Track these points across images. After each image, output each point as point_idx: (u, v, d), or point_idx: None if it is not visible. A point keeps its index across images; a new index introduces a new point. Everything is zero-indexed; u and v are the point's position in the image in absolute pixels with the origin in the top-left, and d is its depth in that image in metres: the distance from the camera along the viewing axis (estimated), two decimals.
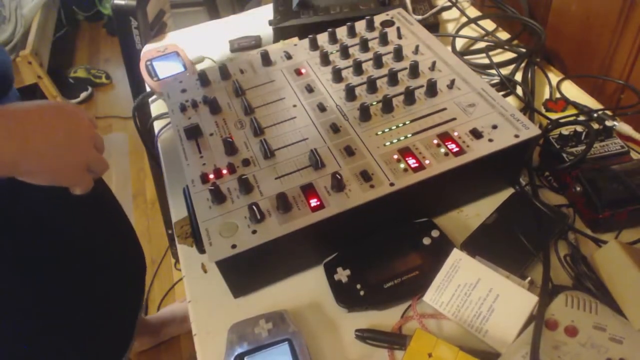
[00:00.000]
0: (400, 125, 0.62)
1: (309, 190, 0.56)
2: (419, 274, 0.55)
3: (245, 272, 0.57)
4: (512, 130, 0.58)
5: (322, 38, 0.78)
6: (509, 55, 0.86)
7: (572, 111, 0.75)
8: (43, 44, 2.21)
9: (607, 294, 0.50)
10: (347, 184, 0.55)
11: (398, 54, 0.71)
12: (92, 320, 0.79)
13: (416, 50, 0.72)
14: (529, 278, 0.53)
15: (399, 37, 0.76)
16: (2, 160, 0.45)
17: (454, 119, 0.61)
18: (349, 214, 0.54)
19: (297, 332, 0.52)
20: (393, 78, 0.67)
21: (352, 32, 0.78)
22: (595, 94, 0.80)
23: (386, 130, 0.61)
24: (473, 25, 0.94)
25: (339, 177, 0.54)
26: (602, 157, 0.62)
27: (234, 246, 0.51)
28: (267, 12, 1.03)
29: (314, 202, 0.54)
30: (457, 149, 0.57)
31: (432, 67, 0.69)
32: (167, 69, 0.86)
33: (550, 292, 0.52)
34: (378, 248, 0.58)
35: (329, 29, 0.77)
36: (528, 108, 0.75)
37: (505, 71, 0.82)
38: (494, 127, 0.59)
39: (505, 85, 0.79)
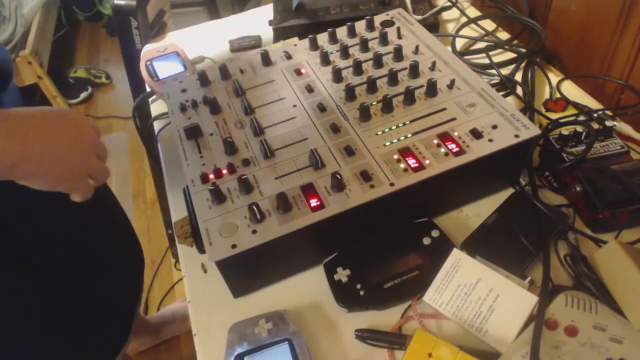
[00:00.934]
0: (400, 125, 0.62)
1: (309, 190, 0.56)
2: (419, 274, 0.55)
3: (245, 272, 0.57)
4: (512, 130, 0.58)
5: (322, 38, 0.78)
6: (509, 55, 0.86)
7: (572, 111, 0.75)
8: (43, 44, 2.21)
9: (607, 294, 0.50)
10: (347, 184, 0.55)
11: (398, 54, 0.71)
12: (92, 319, 0.79)
13: (416, 50, 0.72)
14: (529, 278, 0.53)
15: (399, 37, 0.76)
16: (1, 163, 0.45)
17: (454, 119, 0.61)
18: (349, 214, 0.54)
19: (297, 332, 0.52)
20: (393, 78, 0.67)
21: (352, 32, 0.78)
22: (595, 94, 0.80)
23: (386, 130, 0.61)
24: (473, 25, 0.94)
25: (339, 177, 0.54)
26: (602, 157, 0.62)
27: (234, 246, 0.51)
28: (267, 12, 1.04)
29: (314, 202, 0.54)
30: (457, 149, 0.57)
31: (432, 67, 0.69)
32: (167, 69, 0.85)
33: (550, 292, 0.52)
34: (378, 248, 0.58)
35: (329, 29, 0.77)
36: (528, 108, 0.75)
37: (505, 71, 0.82)
38: (494, 127, 0.59)
39: (505, 85, 0.79)
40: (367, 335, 0.53)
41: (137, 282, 0.96)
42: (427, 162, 0.57)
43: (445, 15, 0.99)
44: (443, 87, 0.66)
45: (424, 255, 0.57)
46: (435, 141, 0.59)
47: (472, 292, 0.52)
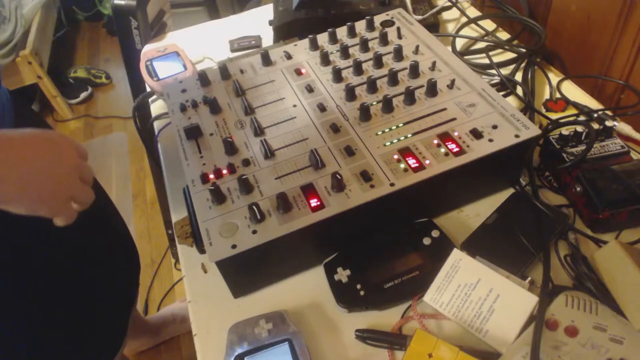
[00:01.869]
0: (401, 125, 0.62)
1: (309, 190, 0.56)
2: (419, 274, 0.55)
3: (245, 272, 0.57)
4: (512, 130, 0.58)
5: (322, 38, 0.78)
6: (509, 55, 0.86)
7: (572, 111, 0.75)
8: (43, 44, 2.21)
9: (608, 294, 0.50)
10: (347, 184, 0.55)
11: (398, 54, 0.71)
12: (90, 319, 0.79)
13: (416, 50, 0.72)
14: (529, 278, 0.53)
15: (399, 37, 0.76)
16: None
17: (454, 119, 0.61)
18: (349, 214, 0.53)
19: (297, 332, 0.52)
20: (393, 78, 0.67)
21: (352, 32, 0.78)
22: (595, 94, 0.80)
23: (386, 130, 0.61)
24: (473, 25, 0.94)
25: (339, 177, 0.54)
26: (602, 157, 0.62)
27: (234, 246, 0.51)
28: (267, 12, 1.04)
29: (314, 202, 0.54)
30: (457, 149, 0.57)
31: (432, 67, 0.69)
32: (167, 69, 0.86)
33: (551, 292, 0.52)
34: (378, 248, 0.58)
35: (329, 29, 0.77)
36: (528, 108, 0.75)
37: (505, 71, 0.82)
38: (494, 127, 0.59)
39: (506, 85, 0.79)
40: (367, 336, 0.53)
41: (133, 284, 0.96)
42: (427, 162, 0.56)
43: (445, 15, 0.99)
44: (443, 87, 0.66)
45: (424, 255, 0.57)
46: (436, 141, 0.59)
47: (473, 292, 0.52)
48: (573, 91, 0.80)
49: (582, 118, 0.72)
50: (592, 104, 0.76)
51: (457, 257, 0.54)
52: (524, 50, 0.84)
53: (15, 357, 0.70)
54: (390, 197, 0.54)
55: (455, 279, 0.53)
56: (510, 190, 0.65)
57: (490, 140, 0.58)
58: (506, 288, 0.51)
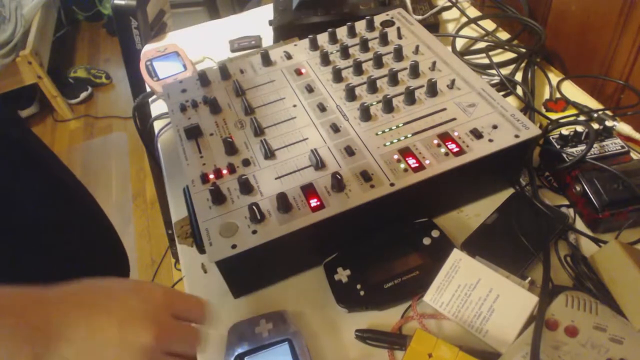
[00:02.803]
0: (401, 125, 0.62)
1: (309, 190, 0.56)
2: (419, 274, 0.55)
3: (245, 272, 0.57)
4: (512, 130, 0.58)
5: (322, 38, 0.78)
6: (509, 55, 0.86)
7: (572, 111, 0.75)
8: (43, 44, 2.21)
9: (608, 294, 0.50)
10: (347, 184, 0.55)
11: (398, 54, 0.71)
12: None
13: (416, 50, 0.72)
14: (529, 278, 0.53)
15: (399, 37, 0.76)
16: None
17: (454, 119, 0.61)
18: (349, 214, 0.53)
19: (297, 332, 0.52)
20: (393, 78, 0.67)
21: (352, 32, 0.78)
22: (595, 94, 0.80)
23: (386, 130, 0.61)
24: (473, 25, 0.94)
25: (339, 177, 0.54)
26: (602, 157, 0.62)
27: (234, 246, 0.51)
28: (267, 12, 1.03)
29: (314, 202, 0.54)
30: (457, 149, 0.57)
31: (432, 67, 0.69)
32: (167, 69, 0.86)
33: (551, 292, 0.52)
34: (378, 248, 0.58)
35: (329, 29, 0.77)
36: (528, 108, 0.75)
37: (505, 71, 0.82)
38: (494, 127, 0.59)
39: (506, 85, 0.79)
40: (367, 336, 0.53)
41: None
42: (427, 162, 0.56)
43: (445, 15, 0.99)
44: (443, 87, 0.66)
45: (424, 255, 0.57)
46: (436, 141, 0.59)
47: (472, 292, 0.52)
48: (573, 91, 0.80)
49: (582, 118, 0.72)
50: (592, 104, 0.76)
51: (457, 257, 0.54)
52: (524, 50, 0.84)
53: None
54: (390, 197, 0.54)
55: (455, 279, 0.53)
56: (510, 190, 0.65)
57: (490, 140, 0.58)
58: (506, 288, 0.51)
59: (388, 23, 0.80)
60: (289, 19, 0.91)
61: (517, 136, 0.58)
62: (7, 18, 1.99)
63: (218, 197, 0.56)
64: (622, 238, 0.58)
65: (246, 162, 0.60)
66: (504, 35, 0.93)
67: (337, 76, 0.69)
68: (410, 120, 0.62)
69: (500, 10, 0.96)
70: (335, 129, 0.62)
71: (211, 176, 0.59)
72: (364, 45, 0.74)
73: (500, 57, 0.86)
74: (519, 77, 0.82)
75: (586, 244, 0.59)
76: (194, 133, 0.64)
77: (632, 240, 0.58)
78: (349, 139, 0.61)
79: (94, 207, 0.91)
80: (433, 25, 0.91)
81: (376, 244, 0.58)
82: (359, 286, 0.55)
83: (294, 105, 0.67)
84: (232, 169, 0.59)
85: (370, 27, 0.79)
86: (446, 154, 0.57)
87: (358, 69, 0.70)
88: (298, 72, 0.73)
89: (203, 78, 0.73)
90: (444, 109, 0.63)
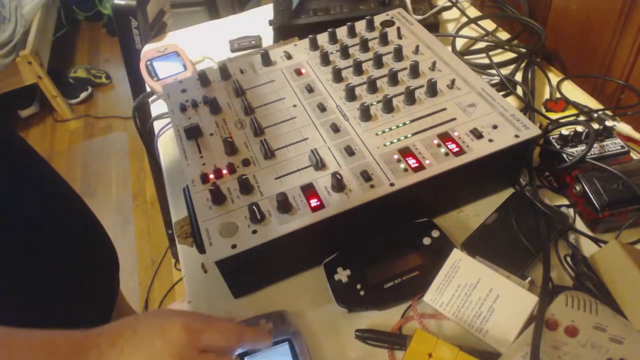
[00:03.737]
0: (401, 125, 0.62)
1: (309, 190, 0.56)
2: (419, 274, 0.55)
3: (245, 272, 0.57)
4: (512, 130, 0.58)
5: (322, 38, 0.78)
6: (509, 55, 0.86)
7: (572, 111, 0.75)
8: (43, 44, 2.21)
9: (607, 294, 0.50)
10: (347, 184, 0.55)
11: (398, 54, 0.71)
12: (66, 323, 0.77)
13: (416, 50, 0.72)
14: (529, 278, 0.53)
15: (399, 37, 0.76)
16: None
17: (454, 119, 0.61)
18: (349, 214, 0.53)
19: (297, 332, 0.52)
20: (393, 78, 0.67)
21: (352, 32, 0.78)
22: (595, 94, 0.80)
23: (386, 130, 0.61)
24: (473, 25, 0.94)
25: (339, 177, 0.54)
26: (602, 157, 0.62)
27: (234, 246, 0.51)
28: (267, 12, 1.03)
29: (314, 202, 0.54)
30: (457, 149, 0.57)
31: (432, 67, 0.69)
32: (167, 69, 0.86)
33: (551, 292, 0.52)
34: (378, 248, 0.58)
35: (329, 29, 0.77)
36: (528, 108, 0.75)
37: (505, 71, 0.82)
38: (494, 127, 0.59)
39: (505, 85, 0.79)
40: (367, 336, 0.53)
41: (112, 283, 0.94)
42: (427, 162, 0.56)
43: (445, 15, 0.99)
44: (443, 87, 0.66)
45: (424, 255, 0.57)
46: (436, 141, 0.59)
47: (472, 292, 0.52)
48: (573, 91, 0.80)
49: (582, 118, 0.72)
50: (592, 104, 0.76)
51: (457, 257, 0.54)
52: (524, 50, 0.84)
53: None
54: (390, 197, 0.54)
55: (455, 279, 0.53)
56: (510, 190, 0.65)
57: (490, 141, 0.58)
58: (506, 288, 0.51)
59: (388, 23, 0.80)
60: (289, 19, 0.91)
61: (517, 136, 0.58)
62: (7, 18, 1.99)
63: (218, 197, 0.56)
64: (622, 238, 0.58)
65: (246, 162, 0.60)
66: (504, 35, 0.93)
67: (337, 76, 0.69)
68: (410, 120, 0.62)
69: (500, 10, 0.96)
70: (335, 129, 0.63)
71: (211, 176, 0.59)
72: (364, 45, 0.74)
73: (500, 57, 0.86)
74: (519, 77, 0.82)
75: (586, 244, 0.59)
76: (194, 133, 0.64)
77: (632, 240, 0.58)
78: (349, 139, 0.61)
79: (79, 204, 0.90)
80: (433, 25, 0.91)
81: (376, 244, 0.58)
82: (359, 286, 0.55)
83: (294, 105, 0.67)
84: (232, 169, 0.59)
85: (370, 27, 0.79)
86: (446, 154, 0.57)
87: (358, 69, 0.70)
88: (298, 72, 0.73)
89: (203, 78, 0.73)
90: (444, 109, 0.63)
